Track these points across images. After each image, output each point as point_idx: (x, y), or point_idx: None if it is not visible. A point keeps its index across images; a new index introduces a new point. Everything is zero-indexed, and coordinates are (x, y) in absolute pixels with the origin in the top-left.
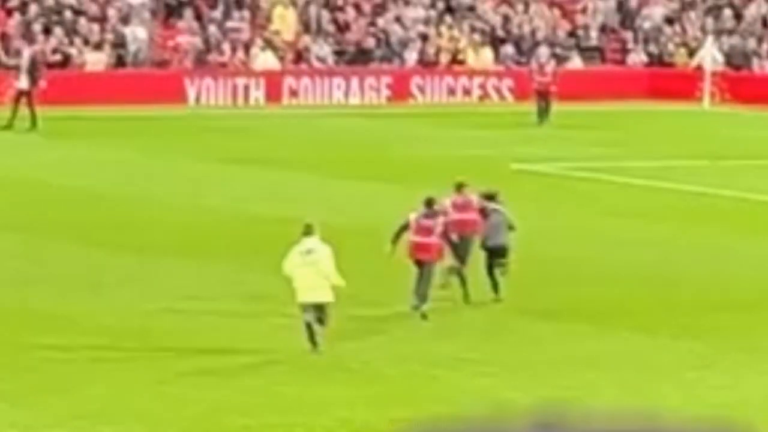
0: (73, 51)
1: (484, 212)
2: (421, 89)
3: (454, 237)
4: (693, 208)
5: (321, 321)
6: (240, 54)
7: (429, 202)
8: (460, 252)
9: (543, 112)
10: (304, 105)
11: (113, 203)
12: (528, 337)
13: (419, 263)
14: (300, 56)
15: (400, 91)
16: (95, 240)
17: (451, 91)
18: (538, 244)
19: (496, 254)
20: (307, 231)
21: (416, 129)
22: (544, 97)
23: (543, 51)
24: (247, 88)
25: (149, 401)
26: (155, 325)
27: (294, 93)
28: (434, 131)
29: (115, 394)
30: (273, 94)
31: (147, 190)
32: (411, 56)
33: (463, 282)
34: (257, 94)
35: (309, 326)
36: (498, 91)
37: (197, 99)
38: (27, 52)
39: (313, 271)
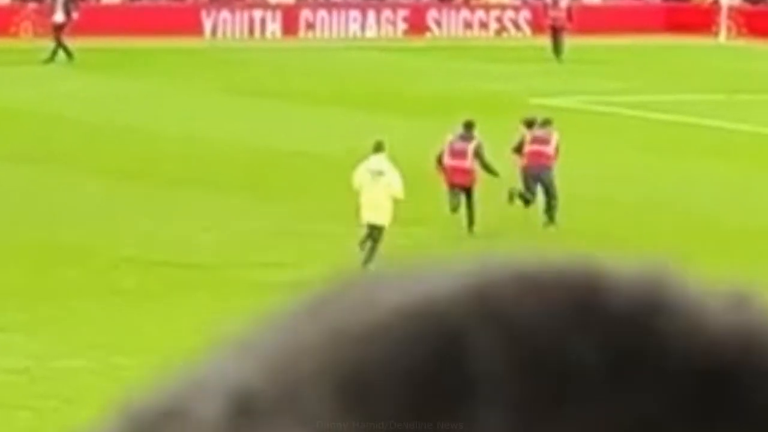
0: None
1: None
2: (438, 23)
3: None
4: (709, 143)
5: (374, 240)
6: None
7: (468, 125)
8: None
9: (557, 48)
10: (321, 38)
11: (130, 135)
12: None
13: (455, 187)
14: None
15: (416, 24)
16: (113, 171)
17: (468, 25)
18: (557, 177)
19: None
20: (378, 147)
21: (433, 63)
22: (558, 32)
23: None
24: (263, 21)
25: (165, 332)
26: (174, 257)
27: (310, 26)
28: (451, 65)
29: (130, 324)
30: (289, 27)
31: (164, 123)
32: None
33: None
34: (274, 27)
35: (365, 242)
36: (515, 24)
37: (213, 31)
38: None
39: (382, 194)
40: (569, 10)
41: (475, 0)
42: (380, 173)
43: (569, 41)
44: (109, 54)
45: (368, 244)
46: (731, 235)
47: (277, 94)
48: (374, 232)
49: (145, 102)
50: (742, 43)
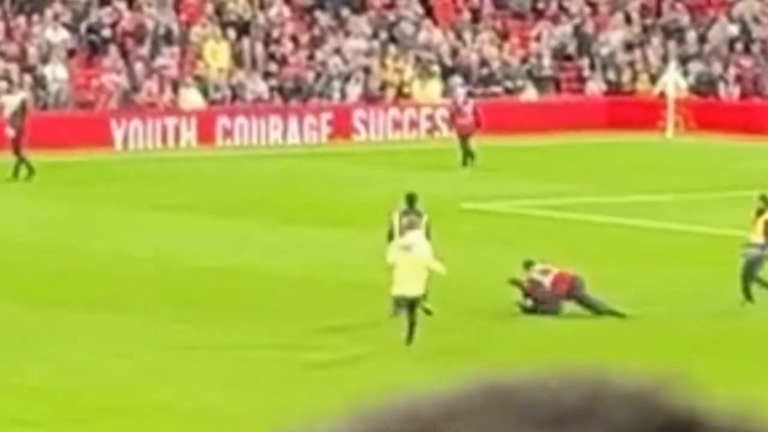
0: None
1: None
2: (365, 123)
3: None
4: (658, 246)
5: (412, 319)
6: (168, 93)
7: (411, 198)
8: None
9: (467, 156)
10: (240, 146)
11: (37, 255)
12: None
13: None
14: (234, 93)
15: (341, 127)
16: (20, 294)
17: (398, 125)
18: (486, 284)
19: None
20: (410, 225)
21: (360, 167)
22: (465, 139)
23: (459, 90)
24: (177, 129)
25: None
26: (82, 383)
27: (228, 133)
28: (379, 170)
29: None
30: (205, 134)
31: (74, 241)
32: (353, 90)
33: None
34: (188, 135)
35: (406, 318)
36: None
37: (125, 142)
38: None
39: (411, 267)
40: (476, 113)
41: (405, 100)
42: (408, 247)
43: (507, 141)
44: (5, 169)
45: (402, 315)
46: (683, 340)
47: (194, 207)
48: (407, 305)
49: (55, 219)
50: (691, 138)
